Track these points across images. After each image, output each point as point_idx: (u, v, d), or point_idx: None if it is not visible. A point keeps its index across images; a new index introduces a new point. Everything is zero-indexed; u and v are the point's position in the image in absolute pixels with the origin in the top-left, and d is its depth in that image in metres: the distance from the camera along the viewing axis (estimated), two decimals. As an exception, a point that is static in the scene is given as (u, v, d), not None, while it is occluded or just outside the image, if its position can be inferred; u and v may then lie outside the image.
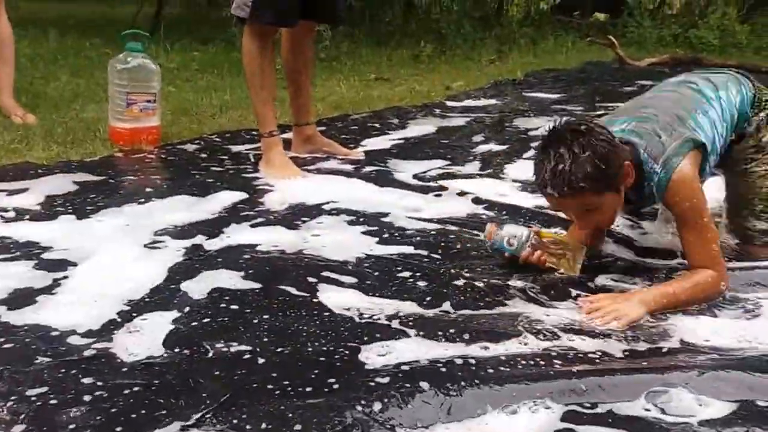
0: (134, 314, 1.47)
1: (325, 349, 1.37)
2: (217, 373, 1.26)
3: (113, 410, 1.14)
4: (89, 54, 5.34)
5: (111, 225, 2.00)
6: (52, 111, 3.40)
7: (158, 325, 1.42)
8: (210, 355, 1.33)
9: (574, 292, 1.68)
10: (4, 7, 3.16)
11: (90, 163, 2.63)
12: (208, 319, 1.46)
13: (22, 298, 1.52)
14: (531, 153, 3.07)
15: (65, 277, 1.63)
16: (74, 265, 1.70)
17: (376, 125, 3.60)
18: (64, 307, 1.48)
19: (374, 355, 1.34)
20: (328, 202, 2.29)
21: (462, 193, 2.44)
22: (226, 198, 2.30)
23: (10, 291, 1.55)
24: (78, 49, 5.50)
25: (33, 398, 1.16)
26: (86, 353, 1.31)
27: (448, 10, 7.46)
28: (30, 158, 2.63)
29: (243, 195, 2.34)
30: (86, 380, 1.22)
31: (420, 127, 3.59)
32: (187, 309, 1.50)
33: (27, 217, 2.04)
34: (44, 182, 2.35)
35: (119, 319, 1.44)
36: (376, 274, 1.74)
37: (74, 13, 8.54)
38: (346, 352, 1.36)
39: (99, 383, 1.21)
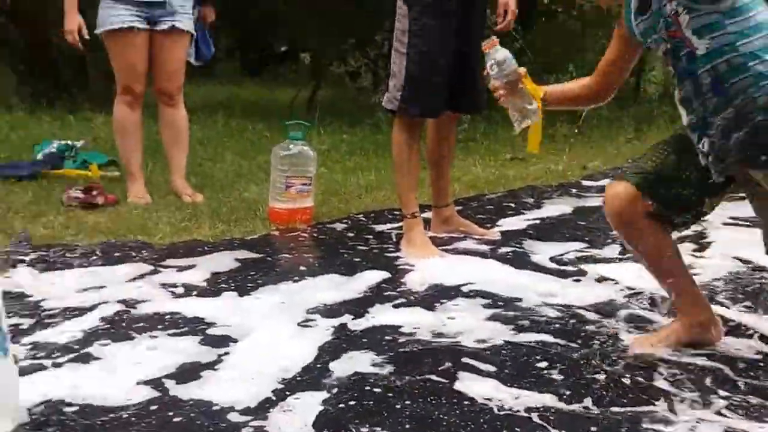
0: (287, 393, 1.53)
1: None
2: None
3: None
4: (251, 137, 5.77)
5: (268, 302, 2.11)
6: (218, 191, 3.68)
7: (309, 405, 1.47)
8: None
9: (722, 398, 1.54)
10: (182, 95, 3.52)
11: (250, 241, 2.81)
12: (354, 402, 1.49)
13: (188, 372, 1.63)
14: (674, 236, 2.92)
15: (227, 353, 1.74)
16: (235, 341, 1.81)
17: (511, 205, 3.58)
18: (225, 383, 1.57)
19: (514, 451, 1.31)
20: (465, 284, 2.29)
21: (601, 279, 2.36)
22: (371, 277, 2.36)
23: (178, 365, 1.66)
24: (241, 132, 5.96)
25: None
26: (244, 431, 1.37)
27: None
28: (198, 236, 2.85)
29: (386, 274, 2.40)
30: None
31: (556, 207, 3.53)
32: (335, 390, 1.54)
33: (194, 293, 2.20)
34: (210, 259, 2.53)
35: (274, 398, 1.51)
36: (514, 362, 1.71)
37: (239, 96, 9.31)
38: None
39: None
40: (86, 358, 1.68)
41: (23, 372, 1.53)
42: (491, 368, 1.67)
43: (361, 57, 7.84)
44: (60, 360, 1.67)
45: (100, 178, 3.81)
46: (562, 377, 1.63)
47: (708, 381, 1.61)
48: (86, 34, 3.29)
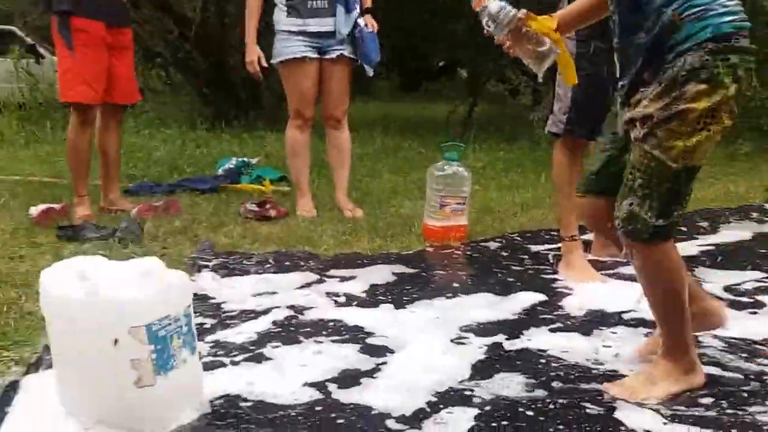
0: (441, 406, 1.59)
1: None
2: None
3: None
4: (406, 154, 5.96)
5: (423, 317, 2.19)
6: (376, 206, 3.86)
7: (461, 420, 1.53)
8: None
9: None
10: (346, 118, 3.73)
11: (406, 256, 2.93)
12: (506, 422, 1.52)
13: (350, 378, 1.75)
14: None
15: (384, 363, 1.84)
16: (392, 352, 1.91)
17: (683, 228, 3.40)
18: (383, 391, 1.67)
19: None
20: (627, 311, 2.24)
21: (783, 313, 2.19)
22: (526, 299, 2.38)
23: (340, 371, 1.79)
24: (397, 149, 6.17)
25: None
26: (401, 438, 1.46)
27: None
28: (357, 249, 3.02)
29: (542, 297, 2.40)
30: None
31: (734, 233, 3.31)
32: (487, 408, 1.59)
33: (355, 303, 2.34)
34: (369, 271, 2.68)
35: (428, 409, 1.58)
36: (674, 396, 1.65)
37: (395, 113, 9.62)
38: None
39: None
40: (260, 358, 1.86)
41: (206, 368, 1.73)
42: (651, 401, 1.63)
43: (520, 74, 7.80)
44: (237, 358, 1.86)
45: (272, 192, 4.15)
46: (730, 411, 1.55)
47: None
48: (264, 62, 3.60)
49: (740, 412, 1.56)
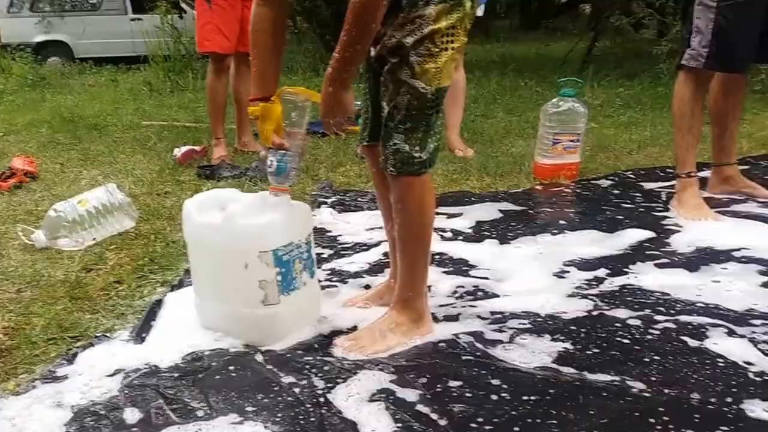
0: (529, 333, 1.64)
1: (713, 399, 1.34)
2: (605, 396, 1.35)
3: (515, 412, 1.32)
4: (523, 93, 5.81)
5: (527, 252, 2.22)
6: (487, 146, 3.84)
7: (547, 345, 1.58)
8: (599, 385, 1.42)
9: None
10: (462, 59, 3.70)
11: (514, 194, 2.92)
12: (598, 350, 1.55)
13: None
14: None
15: (483, 291, 1.91)
16: (497, 282, 1.97)
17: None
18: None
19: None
20: (739, 249, 2.14)
21: None
22: (633, 236, 2.32)
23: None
24: (514, 89, 6.03)
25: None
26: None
27: None
28: (465, 187, 3.05)
29: (650, 234, 2.34)
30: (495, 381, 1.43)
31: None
32: (581, 335, 1.62)
33: (461, 238, 2.40)
34: (476, 209, 2.70)
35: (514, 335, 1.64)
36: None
37: (513, 53, 9.33)
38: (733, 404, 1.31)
39: (504, 385, 1.42)
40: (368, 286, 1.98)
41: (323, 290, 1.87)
42: (744, 330, 1.59)
43: (645, 6, 7.28)
44: (348, 286, 1.99)
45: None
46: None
47: None
48: None
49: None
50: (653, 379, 1.42)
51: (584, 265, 2.09)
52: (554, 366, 1.49)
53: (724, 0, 2.37)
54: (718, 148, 2.77)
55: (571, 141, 3.11)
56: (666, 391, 1.38)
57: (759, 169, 3.11)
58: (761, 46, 2.44)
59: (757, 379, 1.41)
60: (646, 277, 1.97)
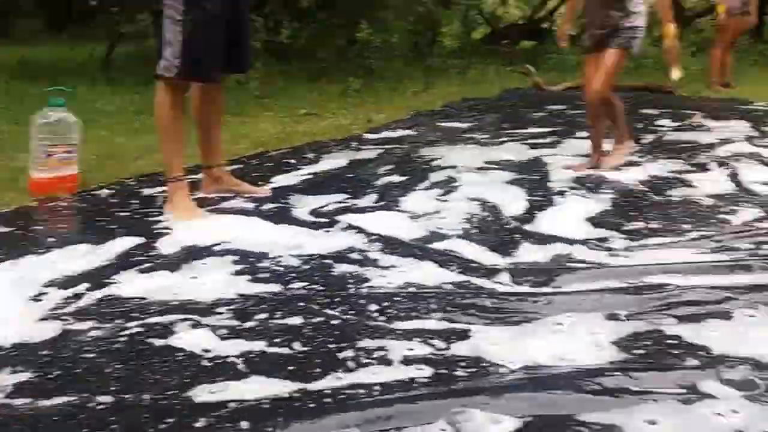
0: None
1: (168, 393, 1.41)
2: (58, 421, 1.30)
3: None
4: (34, 101, 5.28)
5: (3, 279, 2.00)
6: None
7: (4, 379, 1.45)
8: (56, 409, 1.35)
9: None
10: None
11: (5, 214, 2.63)
12: (61, 371, 1.49)
13: None
14: (427, 183, 3.16)
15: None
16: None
17: (291, 161, 3.65)
18: None
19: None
20: (218, 243, 2.32)
21: (348, 227, 2.49)
22: (124, 244, 2.31)
23: None
24: (22, 95, 5.45)
25: None
26: None
27: (380, 44, 7.57)
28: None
29: (140, 240, 2.35)
30: None
31: (333, 161, 3.65)
32: (44, 360, 1.52)
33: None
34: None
35: None
36: (238, 312, 1.78)
37: (34, 56, 8.46)
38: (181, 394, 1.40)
39: None
40: None
41: None
42: (213, 321, 1.73)
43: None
44: None
45: None
46: (298, 321, 1.73)
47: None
48: None
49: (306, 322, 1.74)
50: (114, 389, 1.42)
51: (66, 282, 1.99)
52: (6, 401, 1.37)
53: (188, 14, 2.57)
54: (205, 150, 2.97)
55: (67, 152, 2.96)
56: (126, 397, 1.40)
57: (251, 167, 3.47)
58: (231, 58, 2.72)
59: (210, 364, 1.53)
60: (128, 285, 1.97)
